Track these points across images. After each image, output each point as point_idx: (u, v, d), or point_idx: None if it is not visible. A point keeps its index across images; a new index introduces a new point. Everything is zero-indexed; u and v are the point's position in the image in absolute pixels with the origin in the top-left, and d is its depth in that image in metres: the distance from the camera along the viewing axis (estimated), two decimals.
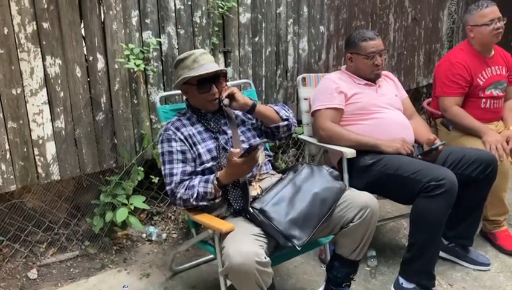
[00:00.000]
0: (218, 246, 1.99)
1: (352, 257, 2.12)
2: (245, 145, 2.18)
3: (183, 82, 2.12)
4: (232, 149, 1.95)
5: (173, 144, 2.09)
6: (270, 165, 2.28)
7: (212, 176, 2.00)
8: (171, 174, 2.05)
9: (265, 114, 2.24)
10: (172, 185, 2.04)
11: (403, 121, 2.67)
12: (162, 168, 2.08)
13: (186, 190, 2.01)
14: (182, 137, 2.11)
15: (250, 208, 1.94)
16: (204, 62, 2.10)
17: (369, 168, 2.48)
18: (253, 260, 1.72)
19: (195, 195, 1.98)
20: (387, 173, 2.39)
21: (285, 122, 2.29)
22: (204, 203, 2.01)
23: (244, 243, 1.79)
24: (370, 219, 2.02)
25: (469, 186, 2.45)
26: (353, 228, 2.03)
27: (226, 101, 2.13)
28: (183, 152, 2.08)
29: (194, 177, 2.06)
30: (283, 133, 2.33)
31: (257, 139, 2.26)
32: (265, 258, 1.76)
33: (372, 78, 2.71)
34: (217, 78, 2.12)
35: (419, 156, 2.50)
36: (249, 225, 1.94)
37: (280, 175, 2.15)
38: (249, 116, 2.31)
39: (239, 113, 2.30)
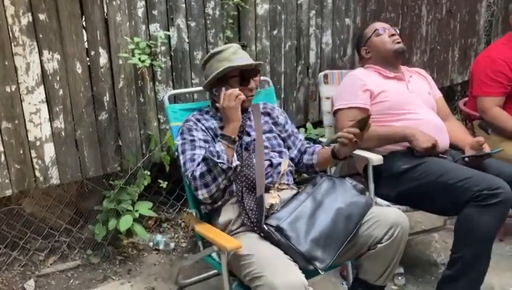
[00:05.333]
0: (224, 266, 1.78)
1: (378, 283, 1.87)
2: (268, 152, 2.00)
3: (223, 73, 1.96)
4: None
5: (194, 133, 1.94)
6: (292, 177, 2.05)
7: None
8: (193, 160, 1.87)
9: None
10: (193, 167, 1.85)
11: (437, 123, 2.40)
12: (181, 157, 1.91)
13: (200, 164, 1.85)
14: (204, 127, 1.96)
15: (264, 225, 1.71)
16: (244, 55, 2.04)
17: (402, 176, 2.22)
18: None
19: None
20: (428, 179, 2.13)
21: None
22: (222, 176, 1.81)
23: (289, 272, 1.58)
24: (400, 238, 1.78)
25: None
26: (381, 250, 1.78)
27: None
28: (205, 141, 1.93)
29: None
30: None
31: (282, 149, 2.08)
32: (310, 288, 1.57)
33: (399, 53, 2.47)
34: (253, 73, 2.02)
35: (466, 159, 2.21)
36: (270, 245, 1.72)
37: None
38: (279, 124, 2.14)
39: (268, 119, 2.13)
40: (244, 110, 2.03)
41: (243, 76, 1.98)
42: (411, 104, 2.39)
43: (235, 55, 1.99)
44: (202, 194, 1.83)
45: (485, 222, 1.97)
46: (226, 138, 1.84)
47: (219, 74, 1.97)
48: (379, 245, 1.79)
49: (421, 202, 2.22)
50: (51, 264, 2.51)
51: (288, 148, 2.15)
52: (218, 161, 1.77)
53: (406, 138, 2.26)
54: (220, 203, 1.93)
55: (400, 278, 2.42)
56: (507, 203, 1.95)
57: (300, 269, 1.64)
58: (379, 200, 2.28)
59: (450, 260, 2.10)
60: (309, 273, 1.71)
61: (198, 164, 1.84)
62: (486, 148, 2.22)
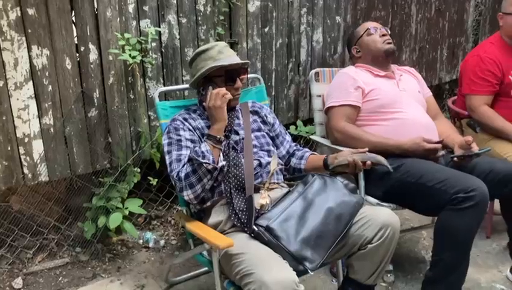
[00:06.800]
0: (216, 264, 1.77)
1: (369, 282, 1.87)
2: (256, 151, 1.98)
3: (208, 73, 1.93)
4: None
5: (181, 132, 1.90)
6: (281, 175, 2.05)
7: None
8: (179, 160, 1.84)
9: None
10: (179, 168, 1.82)
11: (427, 122, 2.41)
12: (167, 157, 1.88)
13: (185, 164, 1.82)
14: (191, 127, 1.93)
15: (254, 226, 1.71)
16: (230, 54, 2.00)
17: (388, 175, 2.21)
18: (293, 288, 1.52)
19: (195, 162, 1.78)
20: (408, 181, 2.13)
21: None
22: (208, 176, 1.78)
23: (279, 269, 1.57)
24: (391, 239, 1.78)
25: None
26: (372, 250, 1.78)
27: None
28: (192, 141, 1.90)
29: None
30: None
31: (271, 147, 2.05)
32: (300, 285, 1.56)
33: (389, 54, 2.48)
34: (239, 72, 1.99)
35: (454, 158, 2.23)
36: (261, 244, 1.71)
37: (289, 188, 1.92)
38: (267, 123, 2.13)
39: (257, 118, 2.11)
40: (232, 109, 2.01)
41: (229, 75, 1.95)
42: (401, 102, 2.40)
43: (221, 54, 1.96)
44: (187, 195, 1.81)
45: (462, 225, 1.97)
46: (212, 137, 1.82)
47: (203, 73, 1.94)
48: (370, 245, 1.78)
49: (404, 202, 2.23)
50: (39, 262, 2.49)
51: (276, 147, 2.14)
52: (203, 161, 1.75)
53: (397, 149, 2.27)
54: (209, 204, 1.91)
55: (389, 275, 2.43)
56: (482, 205, 1.95)
57: None
58: (369, 198, 2.29)
59: (432, 262, 2.12)
60: (298, 273, 1.71)
61: (183, 165, 1.82)
62: (475, 147, 2.24)
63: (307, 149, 2.20)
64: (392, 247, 1.81)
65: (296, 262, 1.65)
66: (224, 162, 1.84)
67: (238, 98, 2.02)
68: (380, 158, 1.90)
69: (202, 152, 1.76)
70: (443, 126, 2.49)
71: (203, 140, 1.86)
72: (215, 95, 1.85)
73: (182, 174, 1.79)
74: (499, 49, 2.75)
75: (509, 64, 2.72)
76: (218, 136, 1.82)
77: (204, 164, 1.75)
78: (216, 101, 1.84)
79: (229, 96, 1.87)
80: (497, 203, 2.48)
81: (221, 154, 1.84)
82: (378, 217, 1.80)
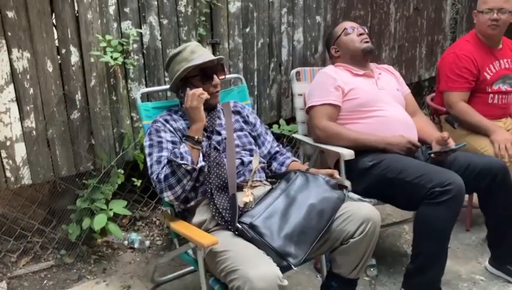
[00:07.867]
0: (201, 262, 1.79)
1: (351, 276, 1.92)
2: (239, 151, 1.99)
3: (183, 75, 1.95)
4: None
5: (162, 134, 1.91)
6: (264, 173, 2.07)
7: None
8: (159, 162, 1.85)
9: None
10: (159, 170, 1.83)
11: (406, 119, 2.46)
12: (148, 159, 1.89)
13: (165, 166, 1.83)
14: (172, 128, 1.94)
15: (238, 224, 1.73)
16: (202, 52, 2.00)
17: (368, 171, 2.26)
18: (276, 283, 1.54)
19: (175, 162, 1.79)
20: (388, 176, 2.18)
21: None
22: (187, 177, 1.80)
23: (263, 264, 1.59)
24: (372, 233, 1.82)
25: (489, 198, 2.27)
26: (354, 244, 1.82)
27: None
28: (173, 142, 1.90)
29: None
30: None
31: (253, 147, 2.08)
32: (284, 280, 1.58)
33: (367, 52, 2.52)
34: (216, 69, 2.00)
35: (432, 155, 2.28)
36: (245, 241, 1.73)
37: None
38: (249, 123, 2.15)
39: (239, 118, 2.13)
40: (213, 108, 2.03)
41: (204, 73, 1.97)
42: (380, 101, 2.44)
43: (193, 54, 1.97)
44: (167, 196, 1.82)
45: (439, 219, 2.03)
46: (190, 138, 1.84)
47: (179, 76, 1.96)
48: (351, 240, 1.82)
49: (384, 197, 2.28)
50: (23, 266, 2.48)
51: (258, 147, 2.15)
52: (182, 162, 1.76)
53: (379, 145, 2.31)
54: (193, 203, 1.93)
55: (372, 269, 2.46)
56: (458, 198, 2.01)
57: None
58: (350, 194, 2.32)
59: (412, 255, 2.17)
60: (282, 268, 1.74)
61: (163, 167, 1.83)
62: (451, 143, 2.29)
63: (289, 155, 2.22)
64: (373, 241, 1.85)
65: (280, 258, 1.68)
66: (203, 163, 1.85)
67: (217, 95, 2.04)
68: (347, 182, 2.09)
69: (181, 153, 1.78)
70: (421, 122, 2.54)
71: (182, 141, 1.87)
72: (191, 96, 1.87)
73: (162, 176, 1.81)
74: (474, 46, 2.81)
75: (484, 62, 2.79)
76: (196, 137, 1.84)
77: (182, 165, 1.77)
78: (192, 101, 1.86)
79: (205, 96, 1.89)
80: (476, 196, 2.55)
81: (200, 154, 1.86)
82: (360, 212, 1.83)
